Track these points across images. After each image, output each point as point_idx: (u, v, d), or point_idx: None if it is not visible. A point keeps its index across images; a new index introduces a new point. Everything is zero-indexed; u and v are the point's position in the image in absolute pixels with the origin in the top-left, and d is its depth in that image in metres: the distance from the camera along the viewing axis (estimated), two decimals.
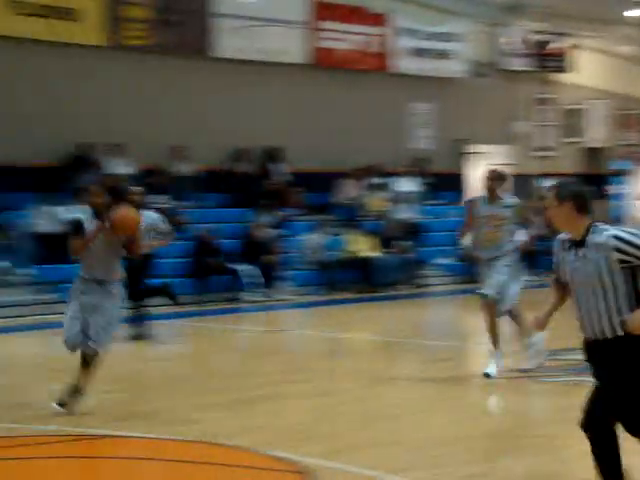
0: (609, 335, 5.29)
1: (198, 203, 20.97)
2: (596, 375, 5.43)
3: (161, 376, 11.44)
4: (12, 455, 7.41)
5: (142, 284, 13.96)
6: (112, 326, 8.99)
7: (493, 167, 11.66)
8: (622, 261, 5.33)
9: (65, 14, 19.56)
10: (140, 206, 13.58)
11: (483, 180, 10.77)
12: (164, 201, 20.29)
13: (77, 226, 8.99)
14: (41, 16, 19.24)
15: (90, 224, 8.91)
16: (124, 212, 9.04)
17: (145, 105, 20.79)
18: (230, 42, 21.77)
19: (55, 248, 17.86)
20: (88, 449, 7.69)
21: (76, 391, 8.76)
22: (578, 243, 5.41)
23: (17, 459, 7.32)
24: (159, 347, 13.94)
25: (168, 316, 16.89)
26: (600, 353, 5.36)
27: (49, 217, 17.93)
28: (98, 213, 8.97)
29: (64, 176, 19.18)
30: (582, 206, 5.43)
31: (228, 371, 12.06)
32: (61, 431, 8.14)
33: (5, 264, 17.09)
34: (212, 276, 18.98)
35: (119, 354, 13.11)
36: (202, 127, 21.41)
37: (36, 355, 13.15)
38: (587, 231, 5.39)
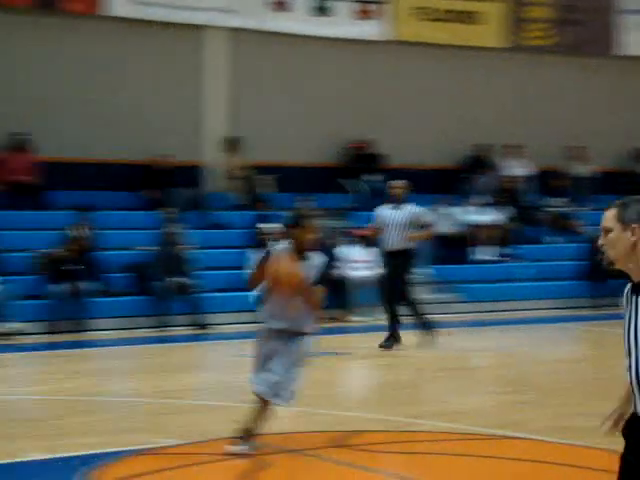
0: None
1: (595, 205, 20.58)
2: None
3: (555, 379, 11.37)
4: (404, 449, 7.70)
5: (405, 290, 13.36)
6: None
7: None
8: None
9: (468, 18, 19.97)
10: (401, 200, 13.33)
11: None
12: (561, 203, 20.13)
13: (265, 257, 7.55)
14: (445, 21, 19.81)
15: None
16: (287, 268, 7.30)
17: (542, 105, 20.71)
18: (636, 38, 21.16)
19: (452, 248, 18.31)
20: (485, 448, 7.81)
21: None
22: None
23: (417, 453, 7.60)
24: (553, 350, 13.89)
25: (565, 319, 16.78)
26: None
27: (447, 218, 18.35)
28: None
29: (461, 177, 19.59)
30: None
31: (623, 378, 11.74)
32: (455, 429, 8.32)
33: None
34: (608, 279, 18.52)
35: (514, 356, 13.22)
36: (599, 127, 20.98)
37: (428, 353, 13.41)
38: None
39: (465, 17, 19.91)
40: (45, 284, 14.84)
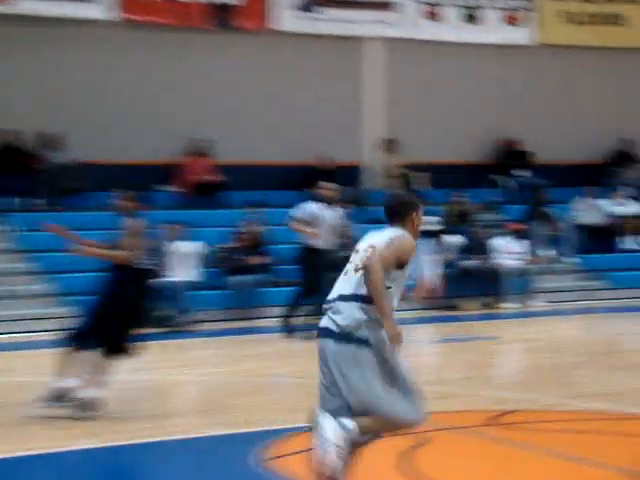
0: None
1: None
2: None
3: None
4: (561, 428, 7.64)
5: None
6: None
7: None
8: None
9: (613, 20, 19.73)
10: (330, 202, 13.09)
11: None
12: None
13: None
14: (591, 24, 19.60)
15: None
16: None
17: None
18: None
19: (598, 238, 18.11)
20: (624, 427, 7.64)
21: None
22: None
23: (564, 432, 7.47)
24: None
25: None
26: None
27: (594, 210, 18.23)
28: None
29: (607, 171, 19.34)
30: None
31: None
32: (601, 410, 8.29)
33: (551, 253, 17.65)
34: None
35: None
36: None
37: (578, 337, 13.37)
38: None
39: (611, 19, 19.65)
40: (223, 276, 15.39)
